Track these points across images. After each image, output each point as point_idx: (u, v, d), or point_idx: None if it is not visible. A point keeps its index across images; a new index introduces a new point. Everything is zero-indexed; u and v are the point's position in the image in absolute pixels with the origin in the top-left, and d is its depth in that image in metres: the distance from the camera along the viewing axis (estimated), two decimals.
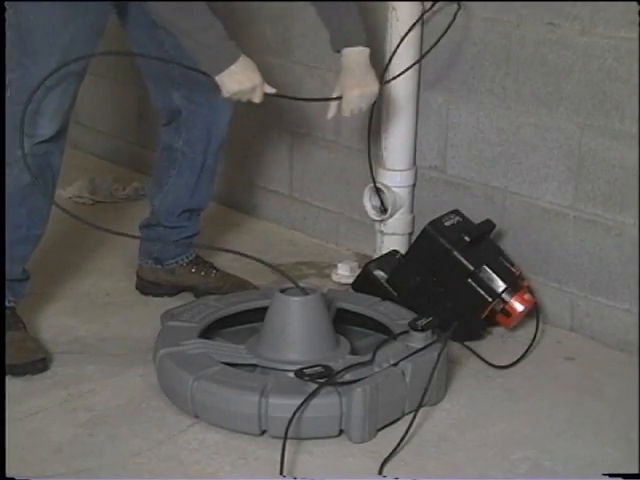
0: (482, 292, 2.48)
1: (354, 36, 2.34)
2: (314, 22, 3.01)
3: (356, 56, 2.33)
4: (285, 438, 1.93)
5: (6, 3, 2.17)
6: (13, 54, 2.23)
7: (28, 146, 2.24)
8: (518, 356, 2.42)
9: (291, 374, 2.09)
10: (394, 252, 2.72)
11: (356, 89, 2.32)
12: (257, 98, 2.25)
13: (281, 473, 1.89)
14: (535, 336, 2.49)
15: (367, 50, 2.34)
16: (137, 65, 2.60)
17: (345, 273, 2.88)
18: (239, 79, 2.20)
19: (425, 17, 2.67)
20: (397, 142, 2.80)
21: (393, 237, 2.85)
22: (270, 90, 2.28)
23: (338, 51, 2.36)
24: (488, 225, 2.59)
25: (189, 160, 2.61)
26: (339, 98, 2.35)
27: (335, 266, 2.92)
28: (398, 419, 2.11)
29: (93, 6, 2.25)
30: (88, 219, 2.29)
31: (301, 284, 2.28)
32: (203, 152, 2.61)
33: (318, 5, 2.38)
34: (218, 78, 2.19)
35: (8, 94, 2.23)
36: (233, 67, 2.19)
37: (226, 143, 2.66)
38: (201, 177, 2.64)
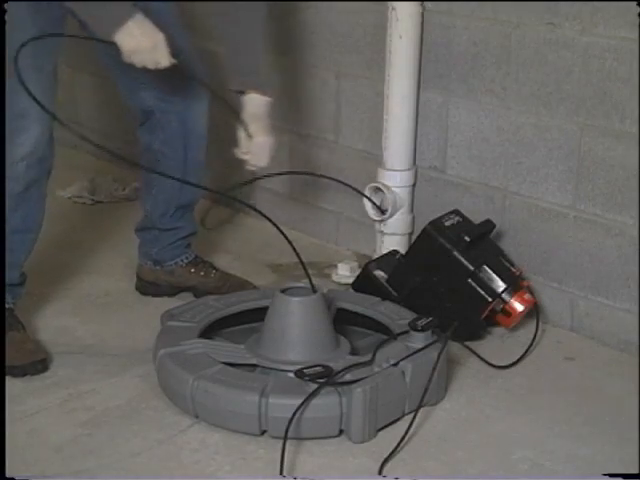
0: (482, 292, 2.48)
1: (256, 80, 2.38)
2: (313, 22, 3.04)
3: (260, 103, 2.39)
4: (285, 438, 1.92)
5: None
6: None
7: (21, 154, 2.24)
8: (518, 356, 2.42)
9: (291, 374, 2.09)
10: (394, 252, 2.72)
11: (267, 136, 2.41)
12: (162, 59, 2.15)
13: (281, 473, 1.89)
14: (535, 336, 2.49)
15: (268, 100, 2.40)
16: (105, 67, 2.54)
17: (345, 273, 2.88)
18: (137, 35, 2.10)
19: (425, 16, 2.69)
20: (397, 142, 2.79)
21: (393, 237, 2.85)
22: (172, 60, 2.18)
23: (239, 92, 2.38)
24: (488, 225, 2.59)
25: (170, 159, 2.59)
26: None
27: (335, 266, 2.93)
28: (398, 419, 2.11)
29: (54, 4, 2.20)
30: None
31: (301, 284, 2.28)
32: (183, 148, 2.58)
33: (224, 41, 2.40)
34: (115, 37, 2.10)
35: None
36: (130, 23, 2.09)
37: (208, 133, 2.62)
38: (186, 172, 2.60)
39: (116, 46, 2.11)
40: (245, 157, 2.43)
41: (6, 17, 2.13)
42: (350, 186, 2.87)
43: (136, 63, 2.15)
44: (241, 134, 2.40)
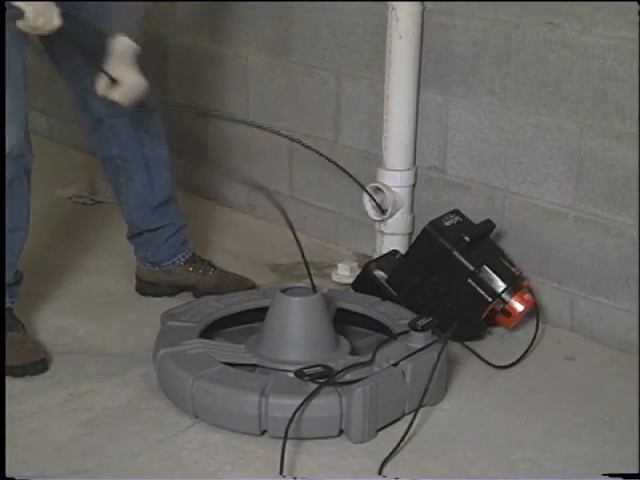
0: (482, 292, 2.48)
1: (128, 22, 2.29)
2: (314, 22, 3.04)
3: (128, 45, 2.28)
4: (285, 438, 1.92)
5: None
6: None
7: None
8: (518, 356, 2.42)
9: (291, 374, 2.09)
10: (394, 252, 2.72)
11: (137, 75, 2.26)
12: (55, 19, 2.12)
13: (281, 473, 1.89)
14: (535, 336, 2.49)
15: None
16: (62, 79, 2.53)
17: (345, 273, 2.88)
18: None
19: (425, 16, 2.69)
20: (397, 142, 2.79)
21: (393, 237, 2.85)
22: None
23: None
24: (488, 225, 2.59)
25: (131, 162, 2.58)
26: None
27: (335, 266, 2.92)
28: (398, 419, 2.11)
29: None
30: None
31: (301, 284, 2.28)
32: (140, 148, 2.57)
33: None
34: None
35: None
36: None
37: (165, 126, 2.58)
38: (151, 171, 2.60)
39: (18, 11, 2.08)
40: (111, 94, 2.27)
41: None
42: (352, 176, 2.84)
43: (38, 27, 2.11)
44: (102, 78, 2.26)
